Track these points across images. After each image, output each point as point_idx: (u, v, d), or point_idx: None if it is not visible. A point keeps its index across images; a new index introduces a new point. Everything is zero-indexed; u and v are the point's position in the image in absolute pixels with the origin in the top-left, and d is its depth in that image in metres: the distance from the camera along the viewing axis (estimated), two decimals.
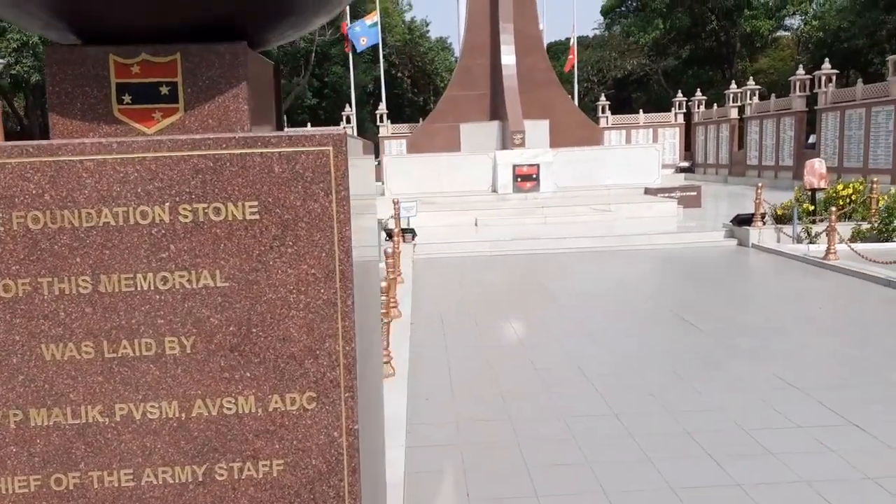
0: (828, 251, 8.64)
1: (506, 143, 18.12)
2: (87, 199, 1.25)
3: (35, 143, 1.24)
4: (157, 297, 1.29)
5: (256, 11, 1.42)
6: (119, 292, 1.29)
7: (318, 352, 1.32)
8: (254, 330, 1.31)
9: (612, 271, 8.97)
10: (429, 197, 15.34)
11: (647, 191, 15.78)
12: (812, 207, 10.42)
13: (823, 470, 3.20)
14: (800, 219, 10.09)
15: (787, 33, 40.14)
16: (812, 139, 23.30)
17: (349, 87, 29.37)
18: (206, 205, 1.26)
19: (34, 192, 1.24)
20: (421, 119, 26.54)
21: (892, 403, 4.02)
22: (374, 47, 27.97)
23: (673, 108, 30.53)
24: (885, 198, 10.58)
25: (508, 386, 4.57)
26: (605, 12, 45.21)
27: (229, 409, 1.34)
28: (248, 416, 1.34)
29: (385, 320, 4.62)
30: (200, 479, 1.36)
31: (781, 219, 10.55)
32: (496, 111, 19.33)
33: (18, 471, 1.33)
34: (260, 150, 1.26)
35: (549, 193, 16.15)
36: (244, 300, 1.30)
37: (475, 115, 19.52)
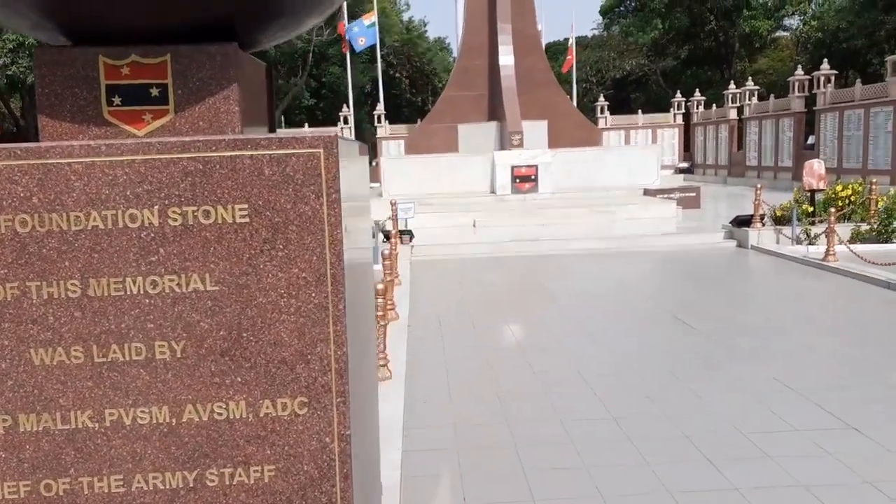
0: (827, 253, 8.64)
1: (504, 143, 18.10)
2: (76, 202, 1.24)
3: (23, 145, 1.23)
4: (147, 301, 1.28)
5: (247, 13, 1.41)
6: (108, 296, 1.27)
7: (309, 356, 1.31)
8: (244, 334, 1.30)
9: (611, 272, 8.96)
10: (427, 198, 15.32)
11: (646, 192, 15.77)
12: (811, 209, 10.42)
13: (821, 474, 3.19)
14: (799, 220, 10.08)
15: (785, 34, 40.18)
16: (811, 140, 23.32)
17: (347, 88, 29.36)
18: (195, 208, 1.25)
19: (22, 195, 1.23)
20: (419, 119, 26.53)
21: (891, 406, 4.01)
22: (372, 47, 27.95)
23: (672, 109, 30.55)
24: (885, 199, 10.58)
25: (506, 388, 4.55)
26: (604, 12, 45.25)
27: (220, 414, 1.32)
28: (239, 421, 1.33)
29: (382, 322, 4.60)
30: (191, 485, 1.34)
31: (780, 220, 10.54)
32: (494, 112, 19.32)
33: (8, 476, 1.31)
34: (250, 153, 1.24)
35: (548, 194, 16.13)
36: (234, 304, 1.28)
37: (473, 116, 19.51)
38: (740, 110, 26.89)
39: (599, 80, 39.97)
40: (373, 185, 21.96)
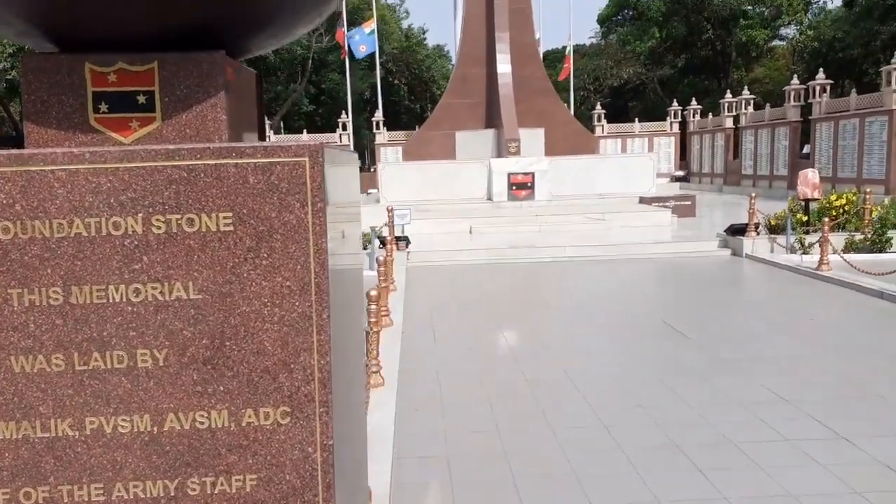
0: (821, 262, 8.66)
1: (501, 151, 18.16)
2: (59, 209, 1.23)
3: (5, 152, 1.22)
4: (130, 309, 1.28)
5: (234, 21, 1.41)
6: (90, 304, 1.27)
7: (292, 366, 1.30)
8: (227, 343, 1.29)
9: (606, 280, 8.97)
10: (424, 204, 15.34)
11: (642, 200, 15.82)
12: (805, 218, 10.46)
13: (811, 484, 3.19)
14: (793, 229, 10.12)
15: (782, 43, 40.46)
16: (806, 149, 23.45)
17: (346, 94, 29.43)
18: (179, 216, 1.25)
19: (4, 201, 1.23)
20: (417, 126, 26.60)
21: (882, 417, 4.01)
22: (371, 54, 28.06)
23: (668, 117, 30.69)
24: (879, 208, 10.63)
25: (498, 396, 4.54)
26: (602, 21, 45.51)
27: (202, 423, 1.32)
28: (221, 430, 1.32)
29: (375, 329, 4.59)
30: (172, 494, 1.33)
31: (775, 229, 10.58)
32: (492, 119, 19.39)
33: None
34: (235, 161, 1.24)
35: (544, 202, 16.17)
36: (217, 313, 1.28)
37: (471, 124, 19.58)
38: (736, 119, 27.04)
39: (597, 89, 40.16)
40: (370, 191, 22.00)
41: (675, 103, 30.91)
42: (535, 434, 3.88)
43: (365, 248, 10.10)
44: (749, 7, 36.76)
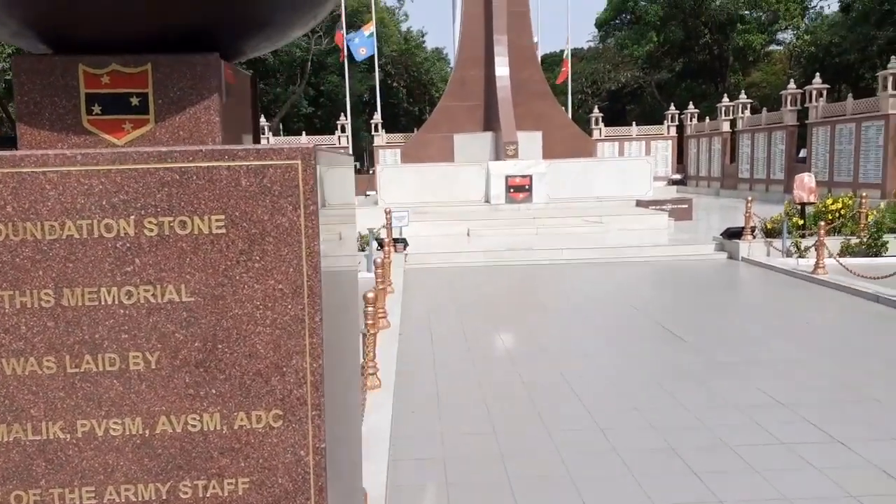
0: (816, 265, 8.68)
1: (499, 153, 18.18)
2: (51, 211, 1.23)
3: None
4: (122, 311, 1.27)
5: (228, 23, 1.41)
6: (82, 306, 1.27)
7: (284, 369, 1.30)
8: (219, 346, 1.29)
9: (603, 283, 8.98)
10: (422, 206, 15.35)
11: (639, 203, 15.85)
12: (801, 221, 10.48)
13: (806, 487, 3.19)
14: (789, 233, 10.14)
15: (779, 48, 40.62)
16: (803, 153, 23.52)
17: (345, 96, 29.45)
18: (171, 218, 1.25)
19: None
20: (416, 129, 26.66)
21: (877, 420, 4.02)
22: (370, 57, 28.09)
23: (666, 121, 30.76)
24: (874, 212, 10.67)
25: (495, 399, 4.54)
26: (600, 25, 45.63)
27: (194, 426, 1.31)
28: (213, 433, 1.32)
29: (372, 331, 4.59)
30: (164, 497, 1.33)
31: (771, 232, 10.60)
32: (490, 122, 19.42)
33: None
34: (227, 164, 1.24)
35: (542, 204, 16.19)
36: (210, 315, 1.28)
37: (469, 126, 19.60)
38: (733, 123, 27.11)
39: (595, 92, 40.24)
40: (369, 192, 22.01)
41: (672, 107, 31.00)
42: (531, 436, 3.88)
43: (363, 250, 10.10)
44: (746, 12, 36.91)
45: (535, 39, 22.94)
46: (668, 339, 6.05)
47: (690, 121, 30.51)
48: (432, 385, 4.86)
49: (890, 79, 18.51)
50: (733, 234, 10.85)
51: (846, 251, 9.75)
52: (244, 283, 1.27)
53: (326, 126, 35.03)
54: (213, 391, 1.30)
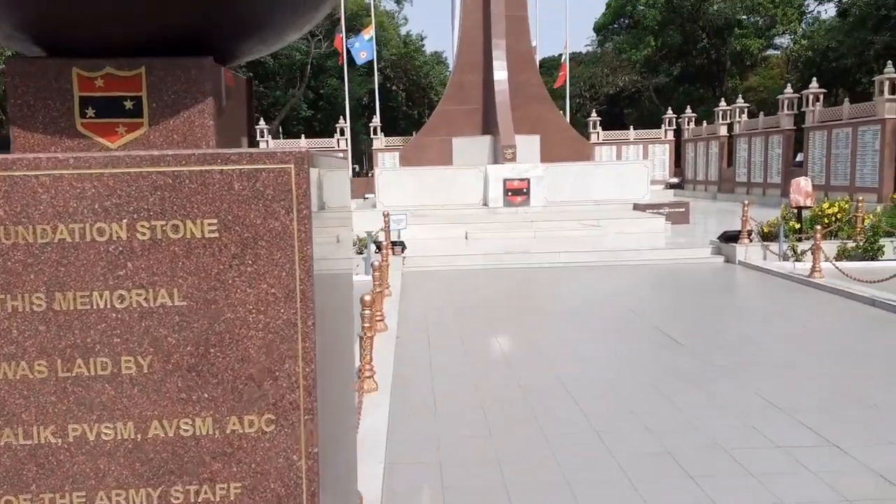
0: (813, 269, 8.70)
1: (497, 157, 18.20)
2: (43, 214, 1.23)
3: None
4: (114, 315, 1.27)
5: (223, 26, 1.41)
6: (74, 310, 1.26)
7: (277, 373, 1.30)
8: (212, 350, 1.28)
9: (600, 286, 8.99)
10: (421, 210, 15.35)
11: (636, 206, 15.86)
12: (798, 225, 10.51)
13: (802, 491, 3.19)
14: (786, 236, 10.16)
15: (776, 52, 40.77)
16: (800, 157, 23.58)
17: (344, 100, 29.48)
18: (164, 222, 1.24)
19: None
20: (415, 132, 26.67)
21: (873, 424, 4.02)
22: (370, 60, 28.16)
23: (663, 125, 30.84)
24: (871, 216, 10.69)
25: (492, 402, 4.54)
26: (598, 29, 45.77)
27: (186, 430, 1.31)
28: (205, 437, 1.31)
29: (369, 334, 4.58)
30: (156, 503, 1.32)
31: (768, 236, 10.62)
32: (488, 126, 19.44)
33: None
34: (220, 167, 1.24)
35: (539, 208, 16.20)
36: (202, 320, 1.27)
37: (467, 130, 19.62)
38: (730, 127, 27.20)
39: (593, 96, 40.34)
40: (368, 195, 22.00)
41: (669, 111, 31.09)
42: (527, 440, 3.87)
43: (360, 253, 10.09)
44: (744, 16, 37.05)
45: (534, 43, 23.00)
46: (664, 342, 6.05)
47: (688, 125, 30.59)
48: (429, 388, 4.86)
49: (886, 83, 18.59)
50: (730, 237, 10.87)
51: (842, 255, 9.77)
52: (237, 287, 1.27)
53: (326, 129, 35.06)
54: (206, 395, 1.30)
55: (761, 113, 25.53)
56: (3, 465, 1.29)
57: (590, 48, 48.12)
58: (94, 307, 1.26)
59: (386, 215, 10.64)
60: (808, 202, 10.67)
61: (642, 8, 40.42)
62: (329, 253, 1.48)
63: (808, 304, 7.66)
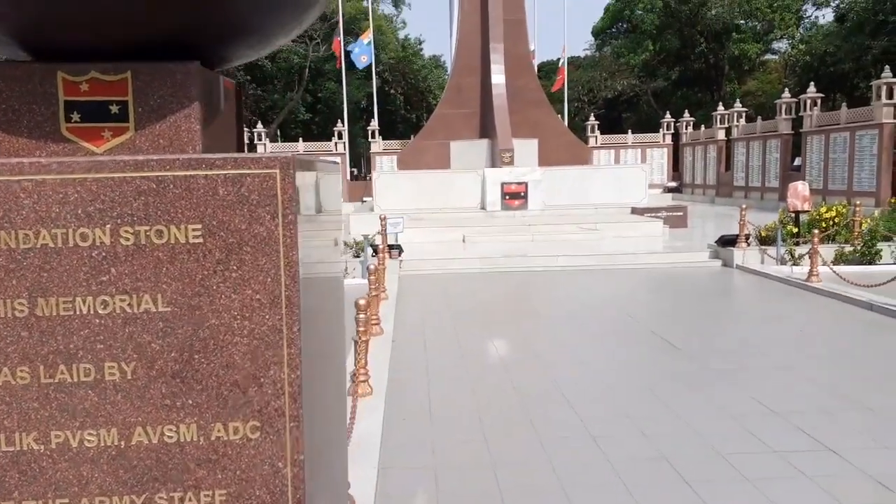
0: (810, 273, 8.70)
1: (495, 161, 18.21)
2: (25, 219, 1.22)
3: None
4: (97, 321, 1.26)
5: (209, 31, 1.41)
6: (57, 316, 1.25)
7: (262, 380, 1.29)
8: (196, 356, 1.27)
9: (597, 290, 8.98)
10: (418, 213, 15.35)
11: (634, 210, 15.88)
12: (796, 229, 10.52)
13: (798, 496, 3.17)
14: (783, 240, 10.17)
15: (774, 57, 40.89)
16: (797, 161, 23.63)
17: (342, 103, 29.51)
18: (148, 227, 1.23)
19: None
20: (413, 135, 26.70)
21: (869, 429, 4.01)
22: (368, 64, 28.21)
23: (661, 129, 30.91)
24: (868, 221, 10.71)
25: (487, 407, 4.52)
26: (596, 33, 45.91)
27: (170, 437, 1.29)
28: (189, 444, 1.30)
29: (364, 338, 4.57)
30: None
31: (765, 240, 10.63)
32: (486, 129, 19.46)
33: None
34: (204, 172, 1.23)
35: (537, 211, 16.21)
36: (186, 326, 1.26)
37: (465, 133, 19.64)
38: (728, 131, 27.26)
39: (591, 100, 40.41)
40: (365, 199, 22.00)
41: (668, 115, 31.15)
42: (522, 444, 3.86)
43: (357, 257, 10.08)
44: (742, 21, 37.17)
45: (532, 48, 23.05)
46: (661, 346, 6.04)
47: (686, 129, 30.66)
48: (425, 392, 4.84)
49: (884, 88, 18.64)
50: (728, 241, 10.87)
51: (840, 259, 9.78)
52: (221, 292, 1.26)
53: (324, 132, 35.09)
54: (190, 402, 1.29)
55: (759, 117, 25.59)
56: None
57: (588, 52, 48.30)
58: (78, 313, 1.25)
59: (383, 219, 10.63)
60: (806, 206, 10.68)
61: (640, 12, 40.55)
62: (316, 258, 1.47)
63: (806, 309, 7.65)
